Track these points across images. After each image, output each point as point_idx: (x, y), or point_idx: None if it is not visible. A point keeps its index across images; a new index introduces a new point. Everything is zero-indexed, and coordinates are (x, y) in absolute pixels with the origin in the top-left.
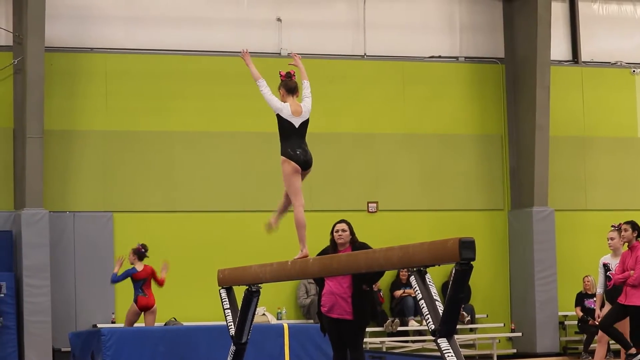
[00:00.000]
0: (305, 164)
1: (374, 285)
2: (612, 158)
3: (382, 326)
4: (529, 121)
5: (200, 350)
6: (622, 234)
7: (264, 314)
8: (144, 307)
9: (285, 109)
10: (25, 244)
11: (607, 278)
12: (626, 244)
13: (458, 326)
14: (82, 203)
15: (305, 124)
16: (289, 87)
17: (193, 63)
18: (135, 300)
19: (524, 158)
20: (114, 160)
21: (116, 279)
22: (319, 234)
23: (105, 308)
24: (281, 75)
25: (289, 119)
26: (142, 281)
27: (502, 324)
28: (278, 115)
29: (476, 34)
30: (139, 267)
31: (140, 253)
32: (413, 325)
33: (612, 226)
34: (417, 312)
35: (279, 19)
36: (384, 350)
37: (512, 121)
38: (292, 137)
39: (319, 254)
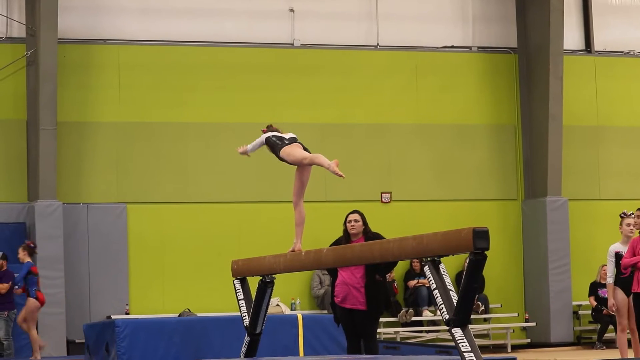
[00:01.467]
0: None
1: (388, 276)
2: (625, 147)
3: (396, 316)
4: (542, 111)
5: (214, 341)
6: (636, 220)
7: (278, 305)
8: (42, 302)
9: (270, 133)
10: (39, 235)
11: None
12: (638, 230)
13: (472, 316)
14: (96, 194)
15: (295, 140)
16: (272, 131)
17: (206, 54)
18: (36, 296)
19: (538, 148)
20: (127, 151)
21: (19, 278)
22: (333, 224)
23: (119, 299)
24: (263, 131)
25: (278, 134)
26: (37, 276)
27: (516, 314)
28: (267, 140)
29: (489, 24)
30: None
31: (30, 249)
32: (427, 315)
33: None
34: (431, 302)
35: (291, 10)
36: (398, 340)
37: (525, 111)
38: (285, 144)
39: (332, 245)
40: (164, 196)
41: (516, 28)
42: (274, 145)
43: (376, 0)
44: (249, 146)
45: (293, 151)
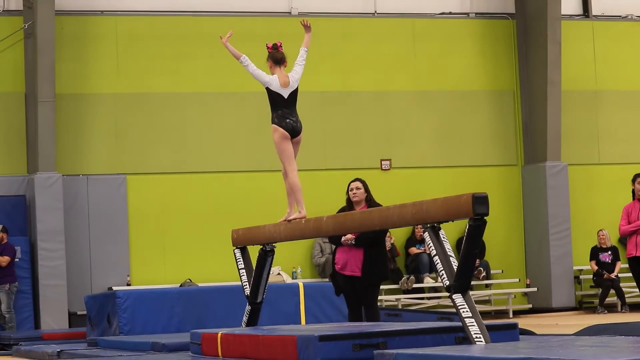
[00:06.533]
0: (293, 132)
1: (387, 240)
2: (624, 111)
3: (398, 283)
4: (540, 76)
5: (215, 311)
6: (637, 186)
7: (279, 274)
8: None
9: (274, 81)
10: (39, 208)
11: None
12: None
13: (473, 282)
14: (95, 166)
15: (294, 93)
16: (276, 58)
17: (203, 24)
18: None
19: (537, 113)
20: (126, 122)
21: None
22: (333, 192)
23: (120, 270)
24: (268, 47)
25: (277, 91)
26: None
27: (517, 280)
28: (267, 88)
29: None
30: None
31: None
32: (428, 282)
33: None
34: (432, 268)
35: None
36: (400, 307)
37: (524, 76)
38: (282, 107)
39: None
40: (163, 166)
41: None
42: (271, 100)
43: None
44: (246, 63)
45: (282, 149)
